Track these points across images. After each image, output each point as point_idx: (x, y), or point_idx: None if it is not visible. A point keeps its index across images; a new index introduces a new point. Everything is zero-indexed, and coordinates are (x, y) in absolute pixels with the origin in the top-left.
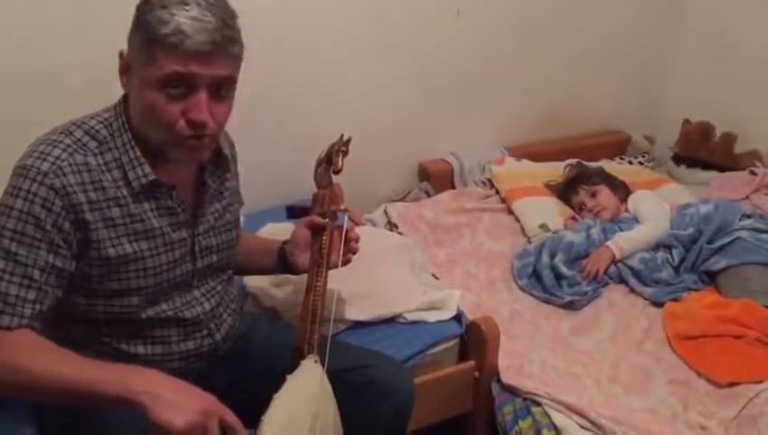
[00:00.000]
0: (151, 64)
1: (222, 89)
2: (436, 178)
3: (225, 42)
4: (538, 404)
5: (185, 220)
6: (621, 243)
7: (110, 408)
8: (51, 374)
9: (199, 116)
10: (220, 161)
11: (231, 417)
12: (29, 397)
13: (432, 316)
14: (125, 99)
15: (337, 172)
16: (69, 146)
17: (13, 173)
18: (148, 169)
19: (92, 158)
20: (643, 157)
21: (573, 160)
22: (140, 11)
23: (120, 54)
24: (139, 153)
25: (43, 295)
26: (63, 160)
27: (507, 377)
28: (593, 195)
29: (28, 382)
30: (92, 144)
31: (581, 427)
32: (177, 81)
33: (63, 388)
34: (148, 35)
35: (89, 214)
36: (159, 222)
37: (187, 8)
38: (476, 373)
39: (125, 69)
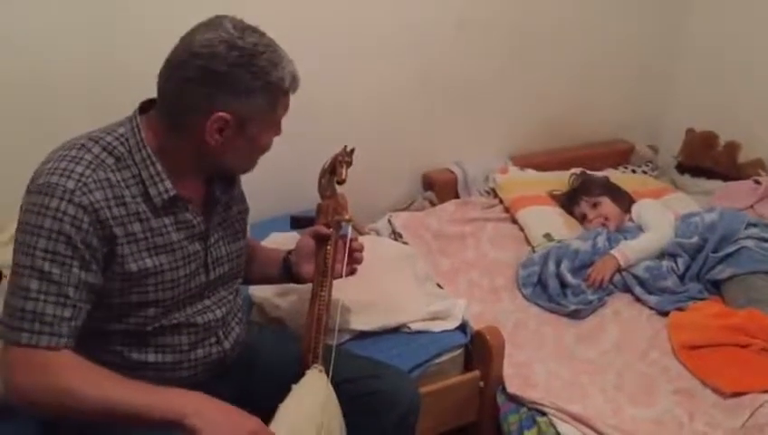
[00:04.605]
0: (274, 111)
1: None
2: (440, 188)
3: None
4: (543, 414)
5: (199, 233)
6: (626, 251)
7: (154, 428)
8: (98, 397)
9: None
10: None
11: None
12: (72, 417)
13: (437, 326)
14: (141, 111)
15: (341, 183)
16: (90, 163)
17: (34, 190)
18: (169, 184)
19: (112, 174)
20: (647, 166)
21: (577, 170)
22: (251, 76)
23: (217, 117)
24: (160, 169)
25: (77, 312)
26: (88, 177)
27: (512, 387)
28: (594, 206)
29: (74, 404)
30: (110, 160)
31: None
32: None
33: (110, 410)
34: (274, 91)
35: (115, 228)
36: (178, 236)
37: (284, 56)
38: (481, 383)
39: (222, 128)
